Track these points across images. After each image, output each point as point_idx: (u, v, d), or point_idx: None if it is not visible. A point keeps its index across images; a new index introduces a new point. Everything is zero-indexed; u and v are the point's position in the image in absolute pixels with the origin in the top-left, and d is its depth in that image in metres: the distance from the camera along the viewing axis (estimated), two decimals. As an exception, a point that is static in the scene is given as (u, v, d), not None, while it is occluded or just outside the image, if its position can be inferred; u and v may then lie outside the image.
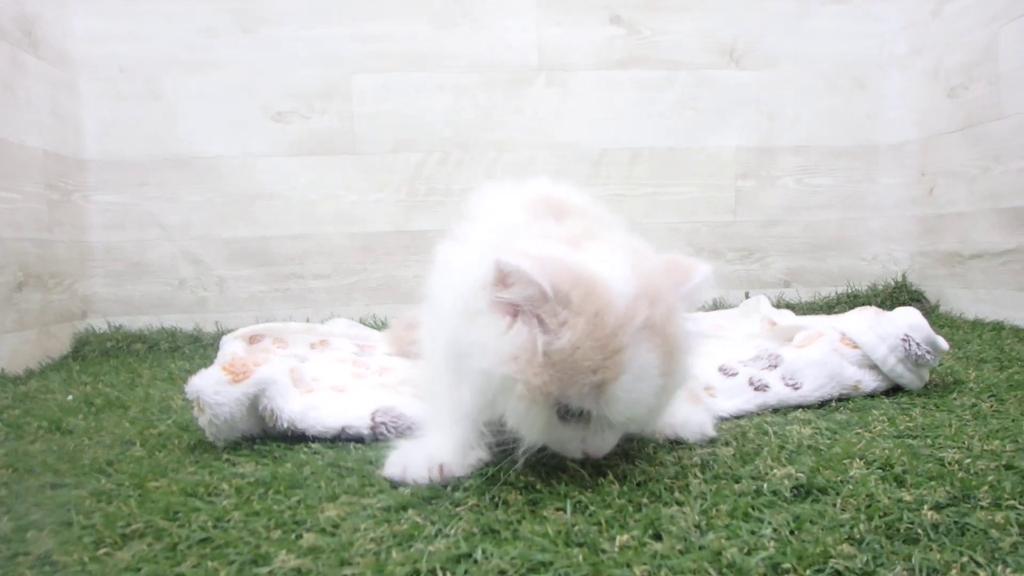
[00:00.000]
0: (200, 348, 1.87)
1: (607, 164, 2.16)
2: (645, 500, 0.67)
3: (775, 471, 0.73)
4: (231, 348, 1.40)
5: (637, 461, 0.79)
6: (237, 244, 2.06)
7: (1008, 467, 0.73)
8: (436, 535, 0.60)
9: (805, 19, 2.20)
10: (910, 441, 0.84)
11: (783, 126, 2.21)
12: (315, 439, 0.92)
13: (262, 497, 0.71)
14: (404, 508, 0.66)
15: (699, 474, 0.74)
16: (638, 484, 0.72)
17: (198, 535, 0.61)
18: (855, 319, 1.20)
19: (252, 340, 1.49)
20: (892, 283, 2.21)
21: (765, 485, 0.69)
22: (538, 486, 0.71)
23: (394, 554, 0.56)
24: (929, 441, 0.83)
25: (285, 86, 2.06)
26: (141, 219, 2.03)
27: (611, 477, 0.74)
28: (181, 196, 2.03)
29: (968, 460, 0.74)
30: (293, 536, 0.61)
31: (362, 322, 1.93)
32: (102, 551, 0.59)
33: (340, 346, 1.59)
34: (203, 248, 2.05)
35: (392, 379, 1.26)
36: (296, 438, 0.92)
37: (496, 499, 0.68)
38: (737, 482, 0.71)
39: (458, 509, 0.66)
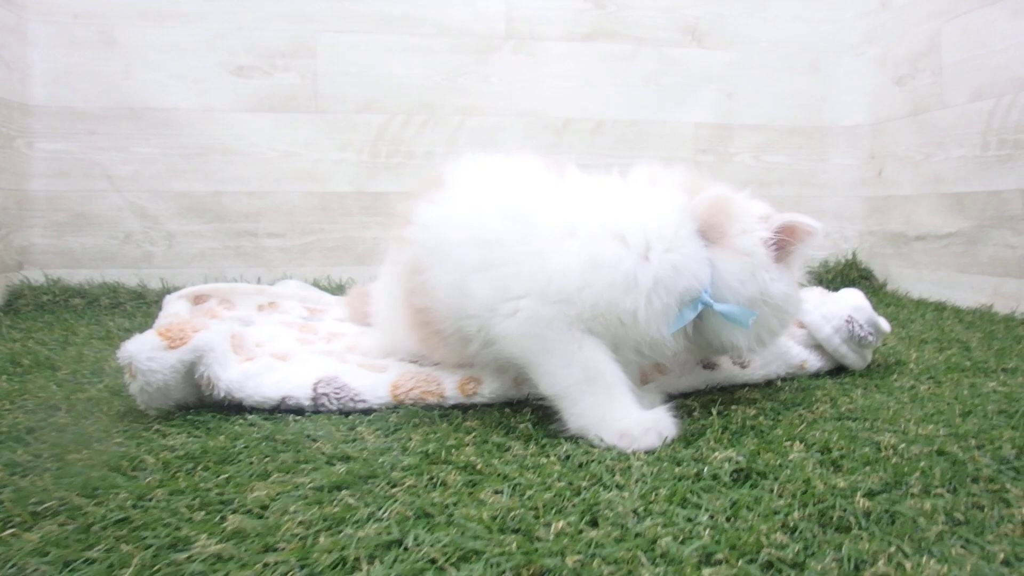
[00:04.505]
0: (143, 305, 1.80)
1: (571, 133, 2.15)
2: (585, 483, 0.66)
3: (716, 454, 0.72)
4: (174, 308, 1.35)
5: (581, 441, 0.78)
6: (189, 198, 1.99)
7: (940, 452, 0.74)
8: (368, 519, 0.58)
9: (765, 2, 2.22)
10: (849, 423, 0.85)
11: (742, 104, 2.23)
12: (253, 409, 0.88)
13: (189, 473, 0.68)
14: (338, 488, 0.64)
15: (641, 456, 0.74)
16: (580, 465, 0.71)
17: (115, 515, 0.58)
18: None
19: (197, 300, 1.44)
20: (843, 260, 2.25)
21: (706, 468, 0.69)
22: (479, 466, 0.70)
23: (322, 539, 0.54)
24: (867, 424, 0.84)
25: (248, 41, 1.98)
26: (88, 169, 1.93)
27: (553, 457, 0.73)
28: (132, 147, 1.95)
29: (903, 445, 0.75)
30: (217, 518, 0.58)
31: (316, 284, 1.89)
32: (8, 531, 0.56)
33: (289, 309, 1.55)
34: (152, 201, 1.97)
35: (340, 345, 1.23)
36: (233, 408, 0.89)
37: (435, 479, 0.67)
38: (678, 464, 0.71)
39: (394, 490, 0.64)
